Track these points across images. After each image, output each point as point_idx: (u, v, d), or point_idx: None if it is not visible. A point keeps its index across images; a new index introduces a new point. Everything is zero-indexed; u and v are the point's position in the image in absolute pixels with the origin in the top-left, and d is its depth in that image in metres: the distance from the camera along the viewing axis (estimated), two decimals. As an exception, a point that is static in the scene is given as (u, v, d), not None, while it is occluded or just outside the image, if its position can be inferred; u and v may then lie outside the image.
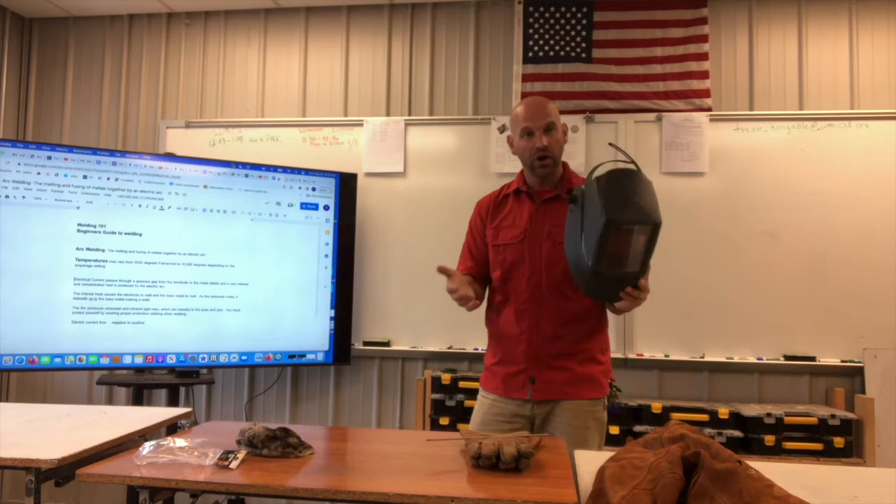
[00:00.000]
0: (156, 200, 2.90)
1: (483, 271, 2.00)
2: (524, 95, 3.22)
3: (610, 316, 3.21)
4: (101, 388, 3.43)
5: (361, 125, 3.33)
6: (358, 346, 3.23)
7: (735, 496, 1.04)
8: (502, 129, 3.22)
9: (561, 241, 1.84)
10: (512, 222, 1.93)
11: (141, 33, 3.60)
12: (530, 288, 1.86)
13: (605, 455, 1.30)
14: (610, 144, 1.93)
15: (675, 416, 2.75)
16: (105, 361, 2.81)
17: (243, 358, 3.00)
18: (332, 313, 3.13)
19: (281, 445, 1.43)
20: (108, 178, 2.84)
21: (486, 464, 1.33)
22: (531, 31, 3.25)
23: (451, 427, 2.88)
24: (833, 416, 2.71)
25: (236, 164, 3.04)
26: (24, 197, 2.72)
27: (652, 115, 3.14)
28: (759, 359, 3.00)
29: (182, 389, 3.10)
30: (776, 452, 2.69)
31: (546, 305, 1.85)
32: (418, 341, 3.20)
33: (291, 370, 3.34)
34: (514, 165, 3.17)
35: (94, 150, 2.84)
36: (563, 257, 1.81)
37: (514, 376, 1.87)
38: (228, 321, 2.97)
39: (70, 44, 3.63)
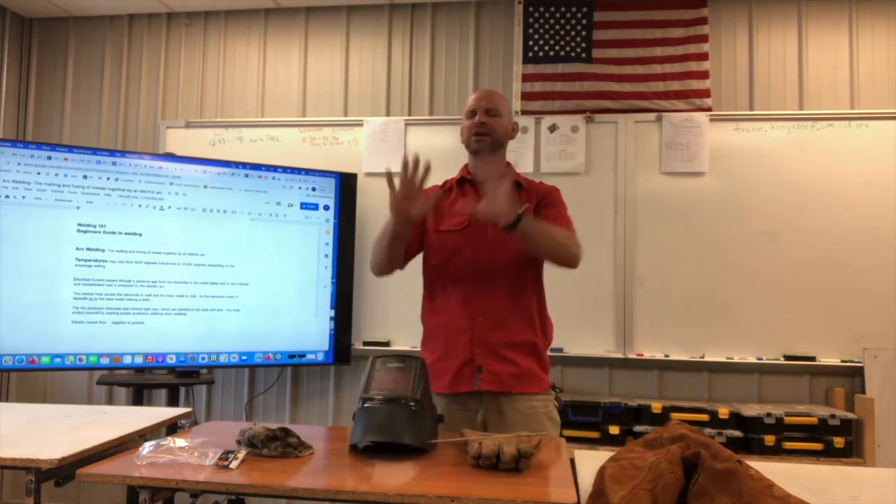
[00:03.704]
0: (156, 200, 2.90)
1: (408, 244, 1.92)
2: (524, 96, 3.22)
3: (608, 316, 3.23)
4: (101, 388, 3.43)
5: (361, 125, 3.33)
6: (358, 346, 3.22)
7: (735, 496, 1.04)
8: (502, 129, 3.21)
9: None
10: (456, 210, 1.91)
11: (141, 33, 3.60)
12: (474, 275, 1.83)
13: (605, 455, 1.30)
14: None
15: (675, 416, 2.75)
16: (105, 361, 2.81)
17: (243, 358, 3.00)
18: (332, 313, 3.13)
19: (281, 445, 1.43)
20: (108, 178, 2.84)
21: (486, 464, 1.33)
22: (531, 31, 3.25)
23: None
24: (833, 416, 2.71)
25: (236, 164, 3.04)
26: (24, 197, 2.72)
27: (652, 115, 3.14)
28: (759, 359, 3.00)
29: (182, 389, 3.10)
30: (776, 452, 2.70)
31: (490, 292, 1.82)
32: (418, 341, 3.17)
33: (291, 370, 3.34)
34: (514, 165, 3.16)
35: (94, 150, 2.84)
36: (508, 242, 1.79)
37: (462, 368, 1.81)
38: (228, 321, 2.97)
39: (70, 44, 3.63)
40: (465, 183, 1.95)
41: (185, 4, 3.49)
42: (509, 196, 1.63)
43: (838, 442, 2.68)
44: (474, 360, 1.80)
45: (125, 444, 1.60)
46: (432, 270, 1.93)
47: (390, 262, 1.88)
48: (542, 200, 1.91)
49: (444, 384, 1.84)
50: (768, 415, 2.71)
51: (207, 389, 3.39)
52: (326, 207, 3.16)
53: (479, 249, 1.85)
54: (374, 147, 3.30)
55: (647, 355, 3.06)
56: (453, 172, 3.51)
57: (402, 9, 3.42)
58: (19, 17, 3.62)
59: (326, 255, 3.14)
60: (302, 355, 3.09)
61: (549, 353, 1.93)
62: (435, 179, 3.48)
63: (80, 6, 3.51)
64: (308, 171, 3.14)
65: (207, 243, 2.96)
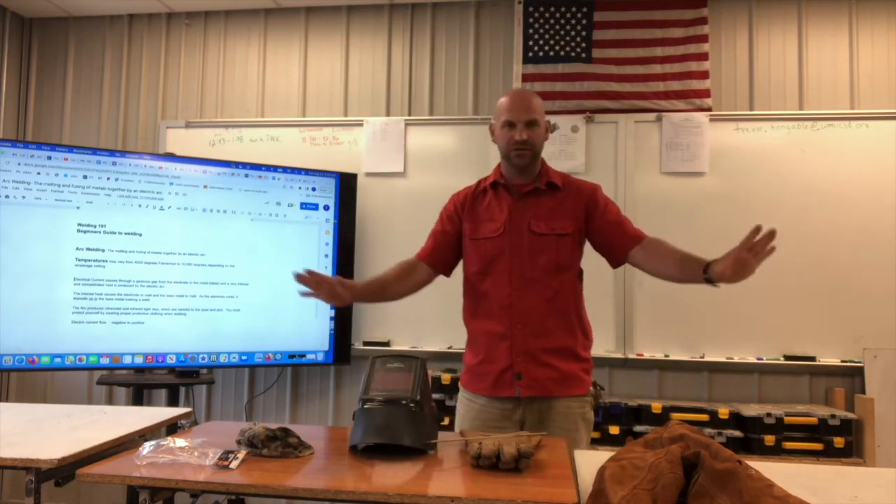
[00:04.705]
0: (156, 200, 2.90)
1: (438, 257, 1.96)
2: (524, 95, 3.22)
3: (608, 316, 3.23)
4: (101, 388, 3.43)
5: (361, 125, 3.33)
6: (358, 346, 3.22)
7: (735, 496, 1.04)
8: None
9: (542, 233, 1.85)
10: (491, 216, 1.91)
11: (141, 33, 3.60)
12: (512, 282, 1.84)
13: (605, 455, 1.30)
14: None
15: (675, 416, 2.75)
16: (105, 361, 2.81)
17: (243, 358, 3.00)
18: (332, 313, 3.13)
19: (281, 445, 1.43)
20: (108, 178, 2.84)
21: (486, 464, 1.33)
22: (531, 31, 3.25)
23: (451, 427, 2.88)
24: (833, 416, 2.71)
25: (236, 164, 3.04)
26: (24, 197, 2.72)
27: (652, 115, 3.14)
28: (759, 359, 3.00)
29: (182, 389, 3.10)
30: (776, 452, 2.69)
31: (529, 299, 1.84)
32: (418, 341, 3.20)
33: (291, 370, 3.34)
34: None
35: (94, 150, 2.84)
36: (544, 248, 1.83)
37: (502, 374, 1.84)
38: (228, 321, 2.97)
39: (70, 44, 3.63)
40: (498, 186, 1.94)
41: (185, 4, 3.49)
42: (752, 268, 1.65)
43: (838, 442, 2.68)
44: (514, 367, 1.83)
45: (125, 444, 1.60)
46: (471, 277, 1.94)
47: (402, 296, 1.98)
48: (591, 206, 1.91)
49: (485, 387, 1.88)
50: (768, 415, 2.71)
51: (207, 389, 3.39)
52: (326, 207, 3.16)
53: (515, 256, 1.86)
54: (374, 147, 3.30)
55: (647, 355, 3.06)
56: (453, 172, 3.51)
57: (402, 9, 3.42)
58: (19, 17, 3.62)
59: (326, 255, 3.14)
60: (302, 355, 3.09)
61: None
62: (434, 180, 3.48)
63: (80, 6, 3.51)
64: (308, 171, 3.14)
65: (207, 243, 2.96)
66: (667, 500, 1.05)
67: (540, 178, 1.91)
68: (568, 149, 3.17)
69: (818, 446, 2.70)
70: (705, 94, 3.13)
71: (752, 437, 2.72)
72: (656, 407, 2.81)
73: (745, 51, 3.20)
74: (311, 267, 3.07)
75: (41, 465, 1.37)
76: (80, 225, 2.78)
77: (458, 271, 2.05)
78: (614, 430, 2.78)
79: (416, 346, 3.19)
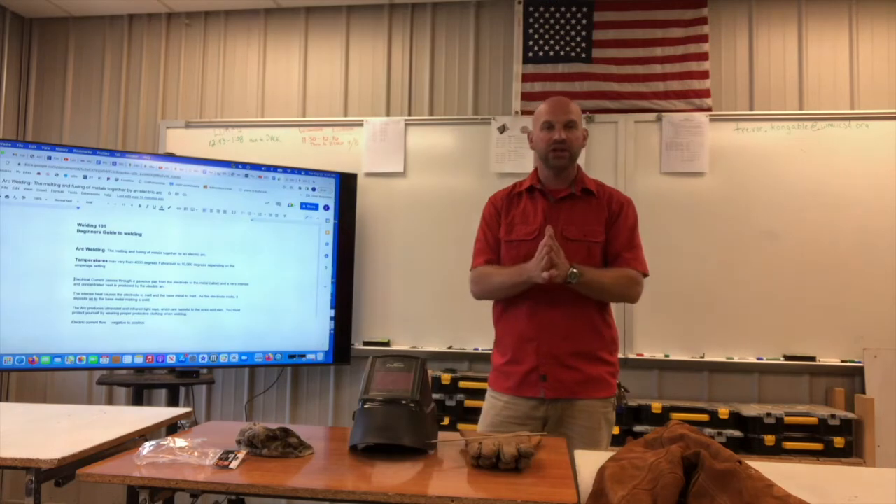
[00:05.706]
0: (156, 200, 2.90)
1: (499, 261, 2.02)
2: (524, 96, 3.22)
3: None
4: (101, 388, 3.43)
5: (361, 125, 3.33)
6: (358, 346, 3.22)
7: (735, 496, 1.04)
8: (502, 129, 3.21)
9: (574, 238, 1.89)
10: (525, 219, 1.95)
11: (141, 33, 3.60)
12: (542, 286, 1.85)
13: (606, 455, 1.30)
14: None
15: (675, 416, 2.75)
16: (105, 361, 2.81)
17: (243, 358, 3.00)
18: (332, 313, 3.13)
19: (281, 445, 1.43)
20: (108, 178, 2.84)
21: (486, 464, 1.33)
22: (531, 31, 3.25)
23: (452, 427, 2.88)
24: (833, 416, 2.71)
25: (236, 164, 3.04)
26: (24, 197, 2.72)
27: (652, 115, 3.14)
28: (759, 359, 3.00)
29: (182, 389, 3.10)
30: (776, 452, 2.70)
31: (558, 303, 1.87)
32: (418, 341, 3.20)
33: (291, 370, 3.34)
34: (515, 165, 3.18)
35: (94, 150, 2.84)
36: (576, 254, 1.85)
37: (528, 374, 1.88)
38: (228, 321, 2.97)
39: (70, 44, 3.63)
40: (534, 191, 1.98)
41: (185, 4, 3.49)
42: (559, 257, 1.74)
43: (838, 442, 2.68)
44: (539, 369, 1.87)
45: (125, 444, 1.60)
46: None
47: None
48: (613, 215, 1.94)
49: (510, 386, 1.91)
50: (768, 415, 2.71)
51: (207, 389, 3.39)
52: (326, 207, 3.16)
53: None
54: (374, 147, 3.30)
55: (647, 355, 3.06)
56: (453, 172, 3.51)
57: (402, 9, 3.42)
58: (19, 17, 3.62)
59: (326, 255, 3.14)
60: (302, 355, 3.09)
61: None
62: (433, 180, 3.48)
63: (80, 6, 3.51)
64: (308, 171, 3.14)
65: (207, 243, 2.96)
66: (667, 500, 1.05)
67: (575, 184, 1.95)
68: (568, 149, 3.17)
69: (818, 446, 2.70)
70: (705, 94, 3.13)
71: (752, 437, 2.72)
72: (656, 407, 2.81)
73: (745, 51, 3.20)
74: (311, 266, 3.10)
75: (41, 465, 1.37)
76: (80, 225, 2.78)
77: (466, 269, 2.06)
78: (614, 430, 2.77)
79: (416, 346, 3.19)
